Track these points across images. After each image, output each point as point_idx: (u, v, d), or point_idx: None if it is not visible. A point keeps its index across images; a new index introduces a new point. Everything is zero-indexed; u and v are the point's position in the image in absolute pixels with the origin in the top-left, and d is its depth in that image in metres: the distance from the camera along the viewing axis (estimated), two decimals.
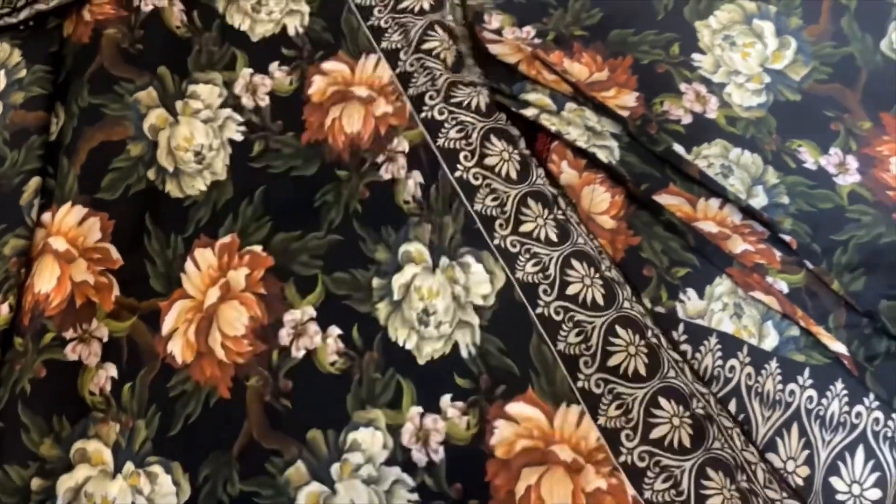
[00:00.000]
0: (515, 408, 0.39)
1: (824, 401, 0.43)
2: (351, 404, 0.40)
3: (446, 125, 0.45)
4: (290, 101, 0.48)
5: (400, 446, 0.39)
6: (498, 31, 0.50)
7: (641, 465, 0.38)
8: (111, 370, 0.41)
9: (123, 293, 0.43)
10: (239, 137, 0.47)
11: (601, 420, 0.39)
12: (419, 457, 0.39)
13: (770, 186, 0.46)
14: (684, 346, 0.44)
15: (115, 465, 0.40)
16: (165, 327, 0.42)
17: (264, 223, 0.44)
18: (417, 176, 0.45)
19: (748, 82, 0.49)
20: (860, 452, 0.42)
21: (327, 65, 0.49)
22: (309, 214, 0.44)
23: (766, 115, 0.49)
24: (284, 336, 0.42)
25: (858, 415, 0.43)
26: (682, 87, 0.49)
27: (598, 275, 0.42)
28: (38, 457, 0.39)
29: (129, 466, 0.40)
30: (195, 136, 0.46)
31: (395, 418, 0.40)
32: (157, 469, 0.40)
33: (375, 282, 0.43)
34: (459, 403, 0.40)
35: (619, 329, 0.40)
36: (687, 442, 0.38)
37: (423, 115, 0.45)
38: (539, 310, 0.41)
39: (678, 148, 0.47)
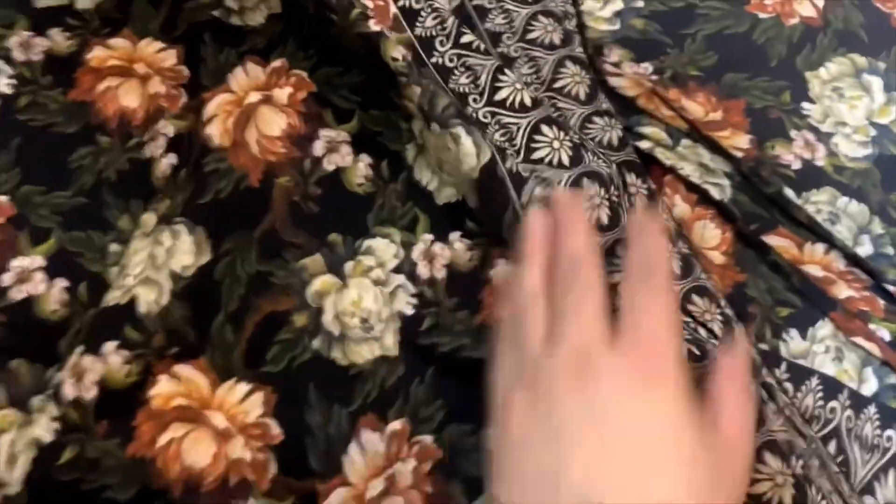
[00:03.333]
0: None
1: None
2: None
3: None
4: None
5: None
6: (617, 65, 0.51)
7: None
8: None
9: (282, 472, 0.41)
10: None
11: None
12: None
13: (876, 236, 0.48)
14: (787, 384, 0.45)
15: None
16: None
17: (437, 410, 0.42)
18: None
19: (855, 133, 0.51)
20: None
21: None
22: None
23: (871, 167, 0.50)
24: None
25: None
26: (793, 133, 0.50)
27: (718, 310, 0.43)
28: None
29: None
30: (363, 302, 0.44)
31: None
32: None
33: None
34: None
35: None
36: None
37: None
38: None
39: (788, 192, 0.48)
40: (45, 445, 0.39)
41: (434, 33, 0.48)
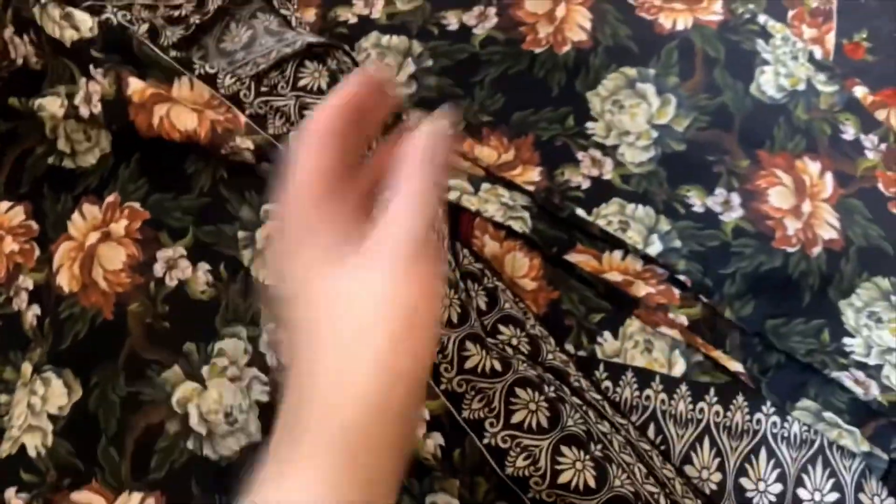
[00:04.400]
0: None
1: (729, 413, 0.51)
2: None
3: (467, 396, 0.48)
4: None
5: None
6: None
7: None
8: None
9: None
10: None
11: None
12: None
13: (664, 233, 0.54)
14: (606, 384, 0.51)
15: None
16: None
17: None
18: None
19: (638, 140, 0.57)
20: (763, 454, 0.50)
21: None
22: None
23: (656, 168, 0.56)
24: None
25: (759, 421, 0.50)
26: (580, 155, 0.56)
27: (523, 333, 0.50)
28: None
29: None
30: (224, 399, 0.49)
31: None
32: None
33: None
34: None
35: None
36: (592, 483, 0.45)
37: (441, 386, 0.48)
38: None
39: (580, 211, 0.54)
40: None
41: (285, 130, 0.53)
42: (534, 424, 0.46)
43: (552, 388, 0.48)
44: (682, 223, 0.54)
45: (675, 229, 0.54)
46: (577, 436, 0.46)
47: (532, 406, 0.47)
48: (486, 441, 0.46)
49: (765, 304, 0.52)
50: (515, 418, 0.47)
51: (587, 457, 0.45)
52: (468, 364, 0.48)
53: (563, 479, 0.45)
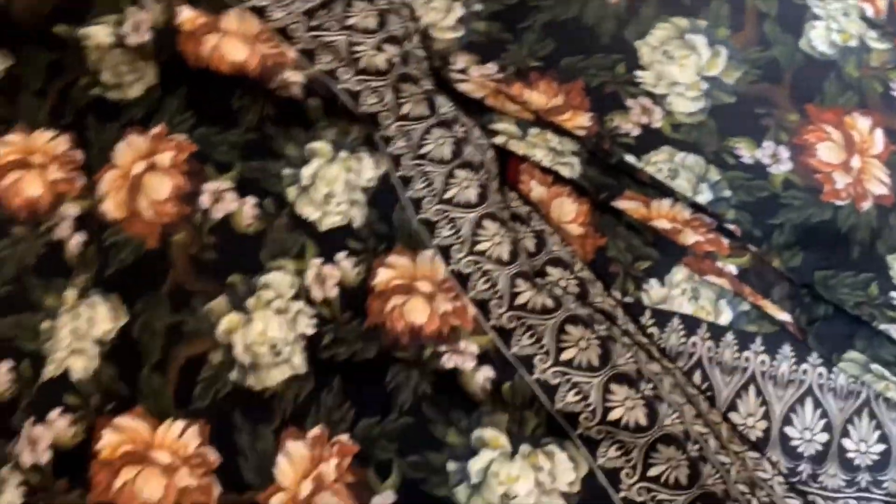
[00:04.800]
0: None
1: (775, 363, 0.50)
2: None
3: (517, 332, 0.48)
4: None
5: None
6: (463, 71, 0.56)
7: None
8: None
9: (225, 489, 0.46)
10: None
11: None
12: None
13: (713, 183, 0.53)
14: (651, 329, 0.51)
15: None
16: None
17: (346, 411, 0.48)
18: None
19: (687, 91, 0.56)
20: (808, 403, 0.50)
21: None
22: (384, 399, 0.48)
23: (706, 119, 0.56)
24: None
25: (805, 371, 0.50)
26: (629, 102, 0.55)
27: (572, 275, 0.49)
28: None
29: None
30: (269, 331, 0.49)
31: None
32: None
33: (451, 465, 0.46)
34: None
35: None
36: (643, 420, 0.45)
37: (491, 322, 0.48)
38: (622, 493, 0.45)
39: (630, 158, 0.54)
40: None
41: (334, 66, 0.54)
42: (584, 362, 0.46)
43: (603, 328, 0.47)
44: (731, 173, 0.54)
45: (724, 179, 0.54)
46: (627, 374, 0.46)
47: (582, 344, 0.47)
48: (535, 376, 0.46)
49: (814, 256, 0.52)
50: (565, 355, 0.46)
51: (638, 395, 0.45)
52: (519, 300, 0.48)
53: (613, 415, 0.45)
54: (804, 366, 0.50)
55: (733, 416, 0.49)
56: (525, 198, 0.53)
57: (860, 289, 0.51)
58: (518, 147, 0.54)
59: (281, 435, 0.48)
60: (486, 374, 0.46)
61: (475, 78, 0.56)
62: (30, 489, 0.46)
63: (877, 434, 0.49)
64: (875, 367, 0.50)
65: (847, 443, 0.49)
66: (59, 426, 0.47)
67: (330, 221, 0.52)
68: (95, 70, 0.56)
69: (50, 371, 0.48)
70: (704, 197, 0.53)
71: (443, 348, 0.47)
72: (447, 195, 0.51)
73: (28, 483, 0.46)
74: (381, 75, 0.54)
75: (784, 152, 0.55)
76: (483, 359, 0.47)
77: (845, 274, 0.52)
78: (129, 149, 0.54)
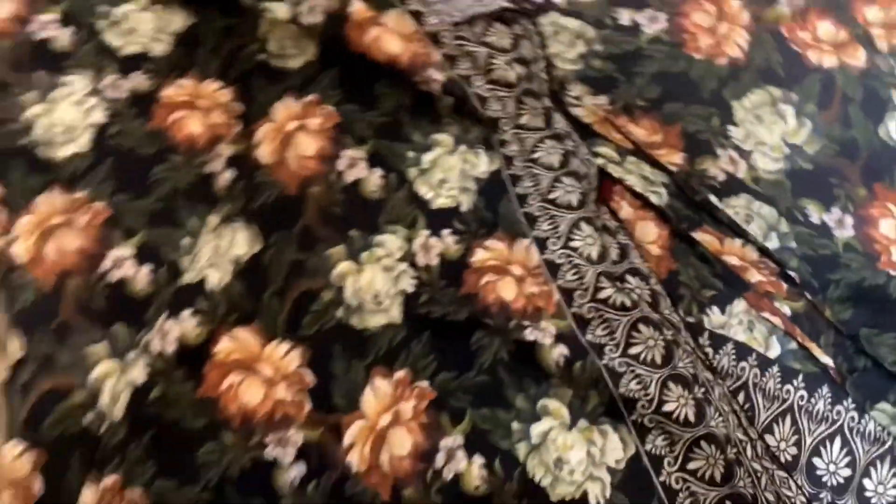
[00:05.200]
0: None
1: (813, 399, 0.56)
2: None
3: (594, 322, 0.55)
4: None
5: None
6: (577, 98, 0.64)
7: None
8: (301, 469, 0.52)
9: (315, 408, 0.54)
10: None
11: None
12: None
13: (782, 234, 0.60)
14: (707, 349, 0.57)
15: None
16: (346, 440, 0.53)
17: (431, 362, 0.55)
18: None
19: (771, 151, 0.63)
20: (837, 441, 0.55)
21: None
22: (466, 356, 0.55)
23: (784, 179, 0.62)
24: (439, 460, 0.52)
25: (839, 413, 0.56)
26: (719, 151, 0.63)
27: (647, 287, 0.56)
28: None
29: None
30: (375, 283, 0.57)
31: None
32: None
33: (515, 425, 0.53)
34: None
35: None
36: (692, 417, 0.51)
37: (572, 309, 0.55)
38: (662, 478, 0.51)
39: (712, 198, 0.61)
40: (139, 387, 0.53)
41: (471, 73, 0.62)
42: (649, 358, 0.53)
43: (669, 333, 0.54)
44: (799, 228, 0.60)
45: (792, 232, 0.60)
46: (684, 376, 0.52)
47: (650, 343, 0.53)
48: (604, 362, 0.52)
49: (863, 313, 0.58)
50: (633, 350, 0.53)
51: (690, 395, 0.51)
52: (600, 295, 0.54)
53: (666, 408, 0.51)
54: (839, 407, 0.56)
55: (768, 437, 0.55)
56: (615, 214, 0.60)
57: None
58: (615, 170, 0.61)
59: (371, 371, 0.55)
60: (561, 351, 0.53)
61: (587, 105, 0.64)
62: (153, 372, 0.54)
63: (895, 481, 0.54)
64: None
65: (867, 482, 0.54)
66: (187, 325, 0.55)
67: (441, 202, 0.60)
68: (264, 39, 0.65)
69: (188, 278, 0.56)
70: (772, 244, 0.60)
71: (526, 323, 0.54)
72: (551, 196, 0.58)
73: (152, 367, 0.54)
74: (509, 87, 0.62)
75: (849, 220, 0.61)
76: (560, 338, 0.54)
77: (889, 335, 0.57)
78: (285, 109, 0.62)
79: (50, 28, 0.66)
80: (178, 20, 0.67)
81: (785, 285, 0.59)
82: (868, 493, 0.54)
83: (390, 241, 0.58)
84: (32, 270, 0.56)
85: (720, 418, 0.51)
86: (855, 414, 0.56)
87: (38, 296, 0.56)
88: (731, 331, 0.58)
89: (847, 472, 0.54)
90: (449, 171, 0.61)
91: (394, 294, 0.57)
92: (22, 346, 0.55)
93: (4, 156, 0.60)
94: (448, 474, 0.51)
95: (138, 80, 0.64)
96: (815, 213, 0.61)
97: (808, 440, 0.55)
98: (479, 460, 0.51)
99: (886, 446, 0.55)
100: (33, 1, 0.66)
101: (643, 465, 0.51)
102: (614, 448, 0.51)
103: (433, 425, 0.53)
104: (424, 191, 0.60)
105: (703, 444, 0.51)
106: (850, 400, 0.56)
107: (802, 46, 0.67)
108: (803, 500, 0.53)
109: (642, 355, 0.53)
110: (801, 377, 0.56)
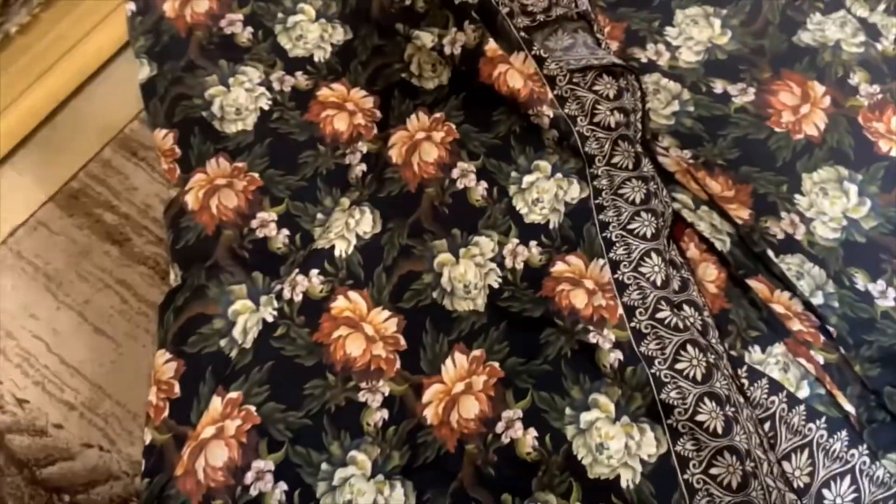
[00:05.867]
0: None
1: (831, 440, 0.63)
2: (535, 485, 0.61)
3: (648, 337, 0.64)
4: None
5: None
6: (666, 149, 0.74)
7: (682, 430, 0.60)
8: (385, 414, 0.63)
9: (403, 367, 0.65)
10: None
11: None
12: None
13: (827, 293, 0.68)
14: (744, 380, 0.65)
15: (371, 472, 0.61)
16: (425, 398, 0.64)
17: (504, 347, 0.66)
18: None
19: (830, 222, 0.71)
20: (847, 479, 0.62)
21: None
22: (535, 347, 0.65)
23: (837, 247, 0.70)
24: (500, 427, 0.63)
25: (853, 455, 0.63)
26: (783, 214, 0.71)
27: (700, 317, 0.65)
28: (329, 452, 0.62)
29: (380, 478, 0.61)
30: (467, 275, 0.68)
31: None
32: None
33: (568, 411, 0.62)
34: None
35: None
36: (720, 430, 0.59)
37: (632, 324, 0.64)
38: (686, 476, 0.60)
39: (770, 252, 0.69)
40: (267, 324, 0.65)
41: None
42: (691, 375, 0.62)
43: (712, 356, 0.63)
44: (844, 291, 0.68)
45: (837, 294, 0.68)
46: (719, 395, 0.61)
47: (694, 362, 0.62)
48: (653, 371, 0.62)
49: (890, 374, 0.65)
50: (679, 365, 0.62)
51: (721, 412, 0.60)
52: (658, 315, 0.64)
53: (699, 418, 0.60)
54: (854, 451, 0.63)
55: (785, 463, 0.63)
56: (682, 252, 0.70)
57: None
58: (689, 216, 0.71)
59: (454, 346, 0.65)
60: (617, 355, 0.63)
61: (673, 156, 0.73)
62: (279, 314, 0.66)
63: None
64: None
65: None
66: (314, 281, 0.67)
67: (533, 217, 0.71)
68: (408, 61, 0.78)
69: (321, 244, 0.68)
70: (817, 300, 0.68)
71: (591, 328, 0.64)
72: (630, 227, 0.68)
73: (280, 310, 0.66)
74: (607, 131, 0.73)
75: (892, 293, 0.69)
76: (617, 345, 0.63)
77: None
78: (417, 121, 0.74)
79: (236, 25, 0.80)
80: (340, 33, 0.80)
81: (822, 338, 0.67)
82: None
83: (485, 243, 0.69)
84: (198, 217, 0.69)
85: (744, 435, 0.60)
86: (867, 459, 0.63)
87: (199, 238, 0.69)
88: (767, 368, 0.66)
89: None
90: (544, 193, 0.71)
91: (481, 286, 0.67)
92: (178, 277, 0.68)
93: (187, 123, 0.74)
94: (505, 439, 0.61)
95: (300, 79, 0.77)
96: (861, 281, 0.69)
97: (822, 473, 0.63)
98: (533, 433, 0.61)
99: (892, 491, 0.62)
100: (226, 1, 0.81)
101: (671, 463, 0.60)
102: (649, 444, 0.60)
103: (499, 398, 0.63)
104: (521, 206, 0.71)
105: (726, 454, 0.59)
106: (864, 446, 0.63)
107: (875, 135, 0.75)
108: None
109: (686, 371, 0.62)
110: (824, 419, 0.64)
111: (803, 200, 0.72)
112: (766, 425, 0.64)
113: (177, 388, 0.63)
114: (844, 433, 0.64)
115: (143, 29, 0.79)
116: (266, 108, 0.76)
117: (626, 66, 0.76)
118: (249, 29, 0.80)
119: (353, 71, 0.78)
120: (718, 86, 0.78)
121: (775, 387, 0.65)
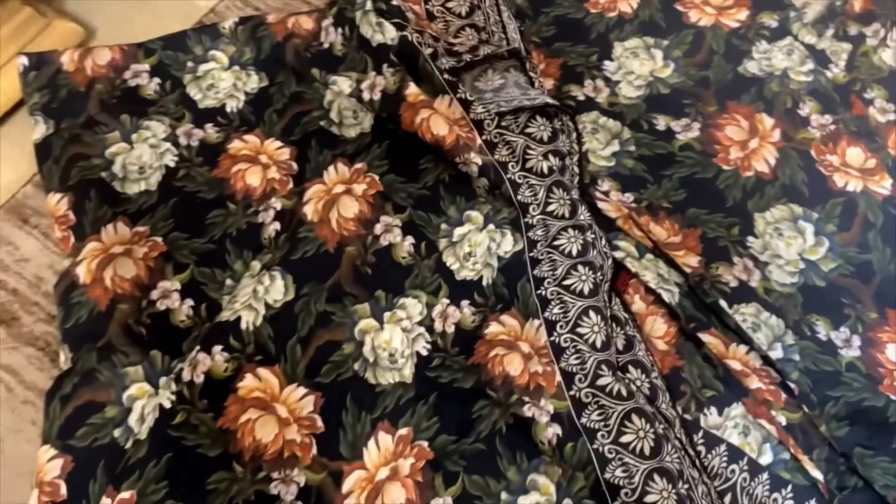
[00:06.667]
0: None
1: None
2: None
3: (590, 407, 0.57)
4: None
5: None
6: (606, 193, 0.68)
7: None
8: None
9: (320, 453, 0.57)
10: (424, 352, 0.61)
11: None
12: None
13: (787, 345, 0.62)
14: (700, 447, 0.59)
15: None
16: (345, 487, 0.56)
17: (433, 423, 0.58)
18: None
19: (787, 265, 0.66)
20: None
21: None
22: (467, 423, 0.58)
23: (795, 293, 0.65)
24: None
25: None
26: (735, 259, 0.66)
27: (647, 379, 0.59)
28: None
29: None
30: (393, 341, 0.61)
31: None
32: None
33: (504, 496, 0.56)
34: None
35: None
36: None
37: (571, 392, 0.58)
38: None
39: (722, 303, 0.63)
40: (165, 410, 0.58)
41: (507, 159, 0.67)
42: (638, 449, 0.55)
43: (661, 426, 0.56)
44: (804, 342, 0.63)
45: (797, 345, 0.62)
46: (670, 470, 0.54)
47: (641, 434, 0.55)
48: (595, 446, 0.55)
49: (858, 433, 0.59)
50: (624, 438, 0.55)
51: (673, 490, 0.53)
52: (599, 382, 0.57)
53: (648, 499, 0.53)
54: None
55: None
56: (626, 306, 0.64)
57: (892, 475, 0.58)
58: (632, 265, 0.65)
59: (377, 425, 0.58)
60: (555, 430, 0.56)
61: (613, 201, 0.68)
62: (178, 398, 0.58)
63: None
64: None
65: None
66: (217, 359, 0.60)
67: (465, 274, 0.65)
68: (328, 108, 0.72)
69: (225, 315, 0.61)
70: (776, 354, 0.62)
71: (526, 399, 0.57)
72: (566, 283, 0.62)
73: (180, 393, 0.59)
74: (541, 177, 0.67)
75: (857, 341, 0.63)
76: (556, 418, 0.57)
77: (882, 458, 0.59)
78: (336, 173, 0.68)
79: (142, 76, 0.74)
80: (254, 81, 0.74)
81: (784, 395, 0.61)
82: None
83: (412, 305, 0.63)
84: (90, 291, 0.62)
85: None
86: None
87: (91, 315, 0.61)
88: (726, 433, 0.60)
89: None
90: (476, 246, 0.65)
91: (408, 354, 0.61)
92: (68, 360, 0.61)
93: (83, 186, 0.67)
94: None
95: (210, 132, 0.71)
96: (823, 330, 0.63)
97: None
98: None
99: None
100: (130, 52, 0.75)
101: None
102: None
103: (427, 484, 0.56)
104: (451, 261, 0.65)
105: None
106: None
107: (829, 169, 0.70)
108: None
109: (632, 445, 0.55)
110: (790, 487, 0.58)
111: (757, 243, 0.67)
112: (727, 498, 0.57)
113: (62, 490, 0.56)
114: (813, 502, 0.57)
115: (38, 85, 0.73)
116: (172, 164, 0.69)
117: (561, 106, 0.70)
118: (157, 80, 0.74)
119: (267, 121, 0.72)
120: (661, 122, 0.73)
121: (735, 453, 0.59)
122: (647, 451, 0.55)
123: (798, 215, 0.68)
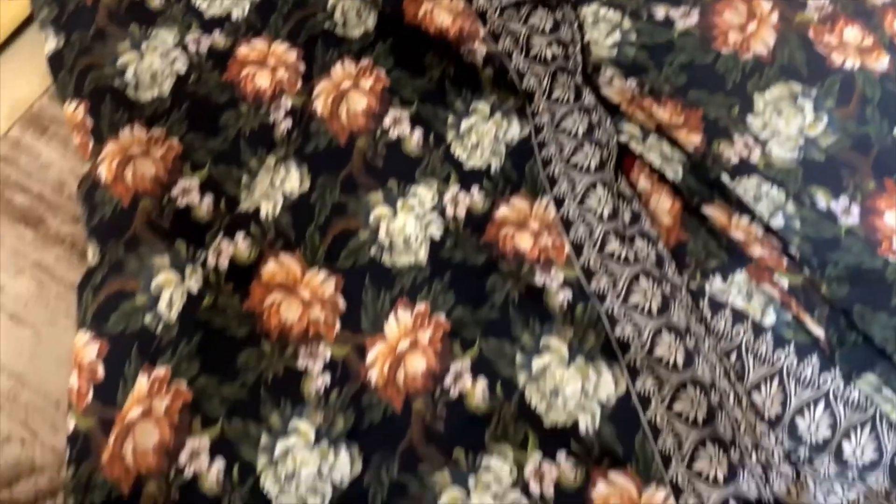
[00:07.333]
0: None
1: (801, 366, 0.60)
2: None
3: (598, 273, 0.60)
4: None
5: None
6: (609, 80, 0.70)
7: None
8: (327, 378, 0.58)
9: (343, 328, 0.60)
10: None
11: None
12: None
13: (788, 214, 0.64)
14: (705, 312, 0.62)
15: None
16: (369, 359, 0.59)
17: (449, 298, 0.61)
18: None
19: (787, 142, 0.68)
20: (821, 405, 0.59)
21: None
22: (481, 295, 0.61)
23: (796, 167, 0.67)
24: (448, 380, 0.58)
25: (825, 380, 0.59)
26: (736, 137, 0.67)
27: (654, 249, 0.61)
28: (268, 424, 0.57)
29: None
30: (406, 228, 0.63)
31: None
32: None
33: (519, 357, 0.58)
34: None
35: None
36: (680, 362, 0.56)
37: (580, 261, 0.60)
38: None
39: (725, 177, 0.65)
40: (193, 296, 0.61)
41: (511, 49, 0.68)
42: (646, 308, 0.58)
43: (668, 287, 0.59)
44: (805, 211, 0.64)
45: (798, 214, 0.64)
46: (677, 327, 0.57)
47: (648, 294, 0.58)
48: (605, 307, 0.58)
49: (857, 292, 0.62)
50: (633, 299, 0.58)
51: (681, 344, 0.56)
52: (608, 249, 0.60)
53: (657, 352, 0.56)
54: (826, 375, 0.60)
55: (755, 394, 0.59)
56: (632, 186, 0.66)
57: (890, 329, 0.60)
58: (637, 147, 0.67)
59: (396, 301, 0.61)
60: (565, 295, 0.59)
61: (617, 87, 0.69)
62: (205, 283, 0.61)
63: (873, 445, 0.58)
64: (886, 391, 0.58)
65: (846, 445, 0.58)
66: (241, 246, 0.62)
67: (473, 163, 0.66)
68: (332, 10, 0.73)
69: (244, 206, 0.64)
70: (777, 223, 0.64)
71: (537, 269, 0.60)
72: (573, 160, 0.64)
73: (206, 279, 0.61)
74: (545, 64, 0.68)
75: (855, 209, 0.65)
76: (566, 284, 0.59)
77: (881, 313, 0.61)
78: (343, 70, 0.70)
79: None
80: None
81: (786, 261, 0.63)
82: (845, 455, 0.57)
83: (423, 193, 0.65)
84: (112, 189, 0.64)
85: (707, 366, 0.56)
86: (841, 383, 0.59)
87: (115, 211, 0.64)
88: (729, 297, 0.62)
89: (827, 434, 0.58)
90: (483, 136, 0.67)
91: (422, 239, 0.63)
92: (96, 255, 0.63)
93: (98, 92, 0.69)
94: (454, 392, 0.57)
95: (218, 38, 0.73)
96: (822, 200, 0.65)
97: (794, 402, 0.59)
98: (482, 382, 0.57)
99: (869, 414, 0.58)
100: None
101: (631, 404, 0.56)
102: (606, 385, 0.56)
103: (446, 351, 0.59)
104: (459, 152, 0.67)
105: (689, 387, 0.55)
106: (837, 369, 0.60)
107: (827, 48, 0.71)
108: (781, 452, 0.57)
109: (640, 305, 0.58)
110: (792, 345, 0.60)
111: (756, 122, 0.68)
112: (732, 357, 0.60)
113: (100, 371, 0.59)
114: (815, 358, 0.60)
115: None
116: (182, 71, 0.71)
117: None
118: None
119: (273, 25, 0.73)
120: (660, 11, 0.74)
121: (739, 316, 0.61)
122: (654, 310, 0.58)
123: (797, 93, 0.69)
